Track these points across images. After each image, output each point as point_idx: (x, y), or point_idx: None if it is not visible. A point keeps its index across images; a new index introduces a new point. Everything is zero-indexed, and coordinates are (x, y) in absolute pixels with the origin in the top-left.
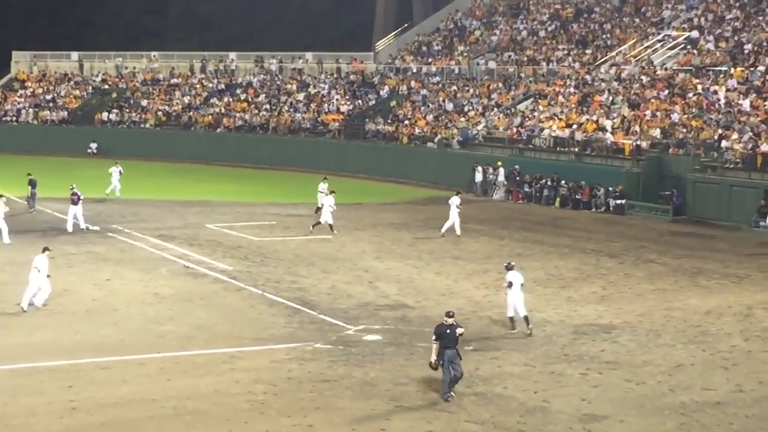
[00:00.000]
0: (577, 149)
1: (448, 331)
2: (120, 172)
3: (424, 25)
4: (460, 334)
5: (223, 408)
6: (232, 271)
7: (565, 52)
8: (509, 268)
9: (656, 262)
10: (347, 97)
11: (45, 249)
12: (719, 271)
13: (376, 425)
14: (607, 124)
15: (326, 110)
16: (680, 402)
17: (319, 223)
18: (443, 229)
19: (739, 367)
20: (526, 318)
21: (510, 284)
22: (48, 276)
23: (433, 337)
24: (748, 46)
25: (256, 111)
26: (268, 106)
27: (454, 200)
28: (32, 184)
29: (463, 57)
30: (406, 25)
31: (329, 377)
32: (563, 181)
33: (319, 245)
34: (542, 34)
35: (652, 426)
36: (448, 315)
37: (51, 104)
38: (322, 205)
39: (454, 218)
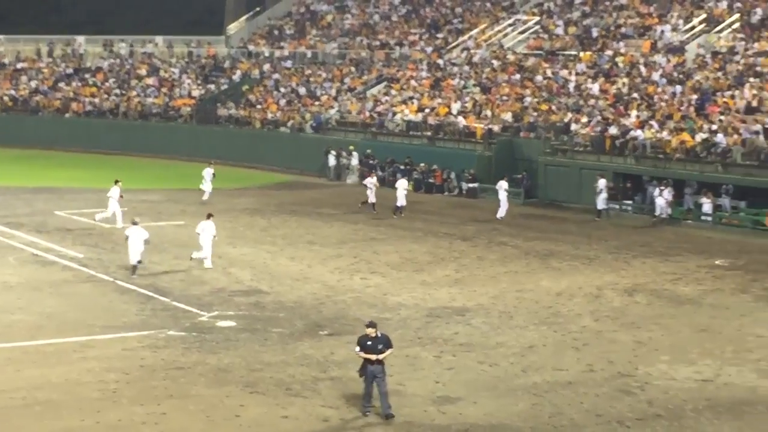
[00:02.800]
0: (429, 133)
1: (369, 342)
2: None
3: (276, 9)
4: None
5: (74, 397)
6: (82, 258)
7: (417, 36)
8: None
9: (508, 245)
10: (199, 81)
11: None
12: (570, 253)
13: (231, 412)
14: (459, 108)
15: (178, 95)
16: (532, 382)
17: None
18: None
19: (589, 347)
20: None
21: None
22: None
23: (357, 348)
24: (595, 31)
25: (106, 96)
26: (117, 91)
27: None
28: None
29: (315, 41)
30: (257, 9)
31: (183, 364)
32: (418, 165)
33: (172, 231)
34: (394, 18)
35: (504, 407)
36: (370, 326)
37: None
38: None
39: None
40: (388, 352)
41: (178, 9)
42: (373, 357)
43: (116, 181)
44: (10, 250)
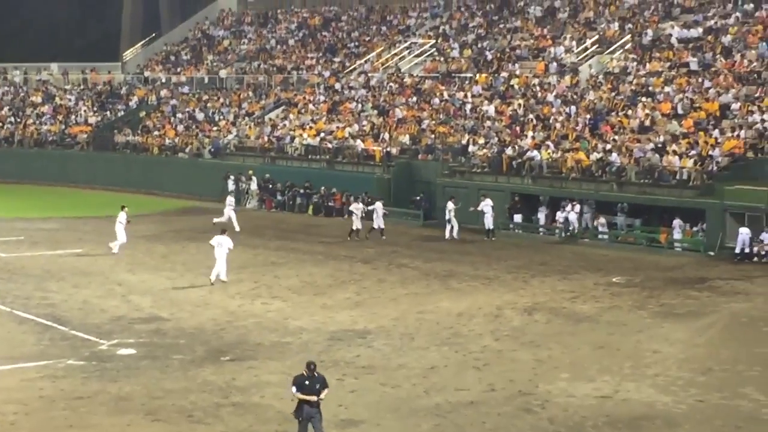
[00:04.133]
0: (328, 157)
1: (307, 383)
2: None
3: (173, 35)
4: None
5: None
6: None
7: (314, 60)
8: None
9: (409, 267)
10: (95, 108)
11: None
12: (469, 273)
13: None
14: (357, 131)
15: (74, 122)
16: (435, 403)
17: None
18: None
19: (490, 366)
20: None
21: None
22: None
23: (293, 389)
24: (490, 53)
25: (0, 124)
26: (12, 119)
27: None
28: None
29: (212, 66)
30: (153, 34)
31: (83, 394)
32: (319, 189)
33: (70, 260)
34: (291, 42)
35: (407, 428)
36: (309, 367)
37: None
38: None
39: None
40: (326, 392)
41: (73, 36)
42: (314, 398)
43: (123, 207)
44: None
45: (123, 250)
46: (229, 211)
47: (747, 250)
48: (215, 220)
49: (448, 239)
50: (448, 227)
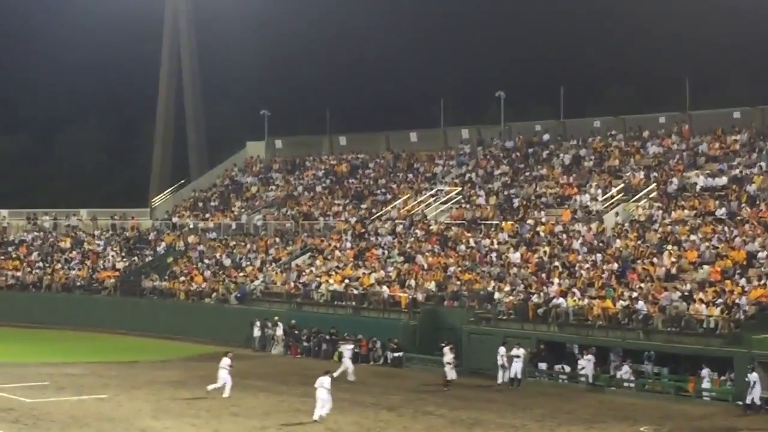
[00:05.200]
0: (354, 303)
1: None
2: None
3: (201, 181)
4: None
5: None
6: None
7: (341, 207)
8: None
9: (434, 414)
10: (123, 253)
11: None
12: (495, 421)
13: None
14: (383, 277)
15: (102, 267)
16: None
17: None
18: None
19: None
20: None
21: None
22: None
23: None
24: (516, 200)
25: (29, 269)
26: (41, 264)
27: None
28: None
29: (240, 212)
30: (182, 181)
31: None
32: (344, 336)
33: (95, 405)
34: (318, 189)
35: None
36: None
37: None
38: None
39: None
40: None
41: (103, 182)
42: None
43: (227, 353)
44: None
45: (217, 392)
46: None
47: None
48: (209, 387)
49: (501, 384)
50: (501, 372)
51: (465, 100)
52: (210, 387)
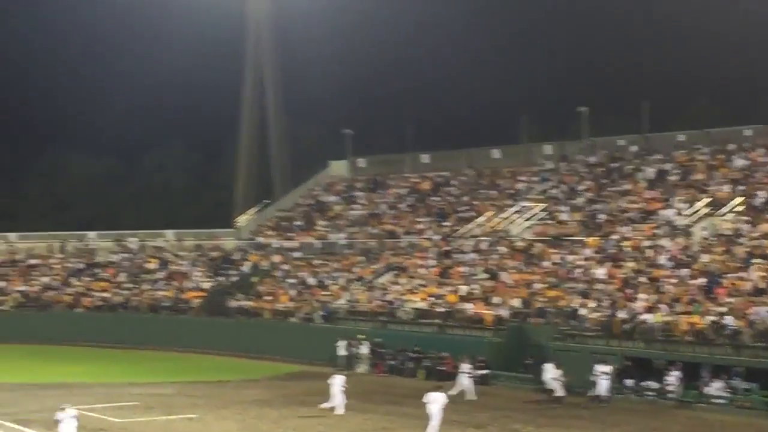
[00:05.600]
0: (439, 320)
1: None
2: None
3: (285, 201)
4: None
5: None
6: None
7: (425, 224)
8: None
9: None
10: (209, 273)
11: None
12: None
13: None
14: (468, 294)
15: (187, 287)
16: None
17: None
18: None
19: None
20: None
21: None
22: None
23: None
24: (600, 216)
25: (117, 290)
26: (128, 285)
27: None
28: None
29: (323, 231)
30: (266, 201)
31: None
32: (430, 353)
33: (184, 425)
34: (401, 207)
35: None
36: None
37: None
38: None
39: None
40: None
41: (188, 203)
42: None
43: (338, 372)
44: None
45: (328, 410)
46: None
47: None
48: (321, 405)
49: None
50: (598, 388)
51: (546, 115)
52: (323, 405)
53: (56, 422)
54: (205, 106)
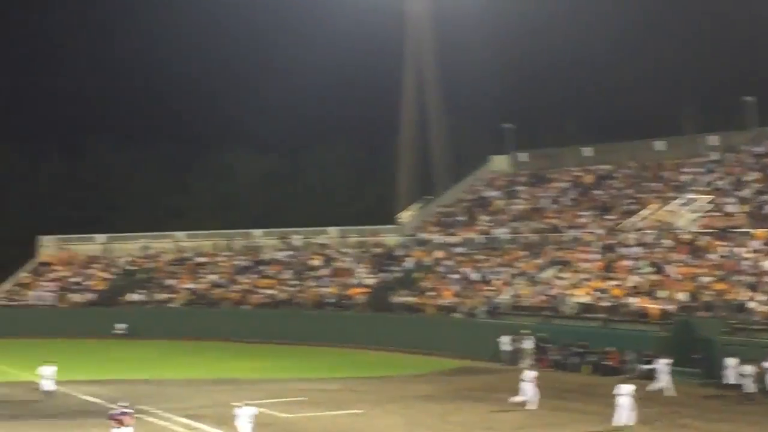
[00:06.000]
0: (603, 315)
1: None
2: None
3: (447, 197)
4: None
5: None
6: None
7: (588, 218)
8: None
9: (690, 427)
10: (372, 270)
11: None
12: None
13: None
14: (633, 288)
15: (351, 284)
16: None
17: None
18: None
19: None
20: None
21: None
22: None
23: None
24: None
25: (282, 287)
26: (293, 282)
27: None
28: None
29: (486, 226)
30: (428, 196)
31: None
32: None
33: (350, 420)
34: (564, 201)
35: None
36: None
37: (77, 287)
38: None
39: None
40: None
41: (351, 200)
42: None
43: (530, 366)
44: None
45: (519, 405)
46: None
47: None
48: (511, 399)
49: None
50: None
51: (710, 106)
52: (513, 399)
53: (234, 417)
54: (367, 103)
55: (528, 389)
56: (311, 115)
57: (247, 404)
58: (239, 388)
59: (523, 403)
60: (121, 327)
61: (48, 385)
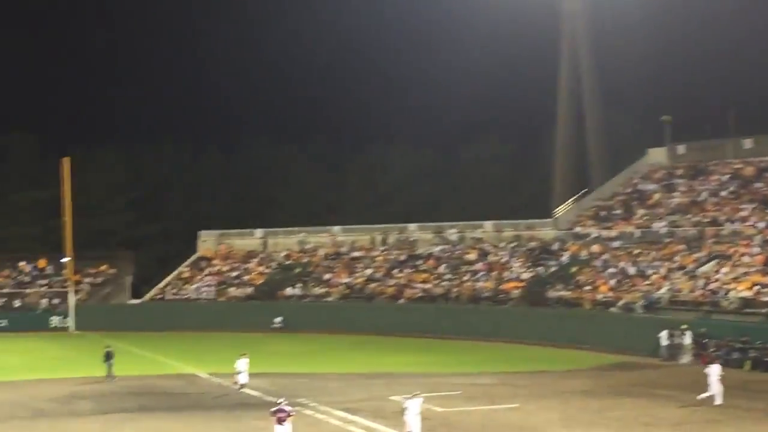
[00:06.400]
0: (765, 310)
1: None
2: None
3: (603, 190)
4: None
5: None
6: None
7: (748, 211)
8: None
9: None
10: (527, 264)
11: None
12: None
13: None
14: None
15: (507, 278)
16: None
17: None
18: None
19: None
20: None
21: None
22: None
23: None
24: None
25: (437, 281)
26: (448, 276)
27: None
28: (108, 356)
29: (643, 220)
30: (584, 190)
31: None
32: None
33: (506, 415)
34: (723, 194)
35: None
36: None
37: (236, 281)
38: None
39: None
40: None
41: (506, 194)
42: None
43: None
44: None
45: (708, 401)
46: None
47: None
48: (700, 396)
49: None
50: None
51: None
52: (701, 396)
53: (403, 410)
54: (523, 96)
55: (713, 384)
56: (466, 109)
57: (415, 395)
58: (394, 382)
59: (711, 399)
60: (277, 321)
61: (242, 378)
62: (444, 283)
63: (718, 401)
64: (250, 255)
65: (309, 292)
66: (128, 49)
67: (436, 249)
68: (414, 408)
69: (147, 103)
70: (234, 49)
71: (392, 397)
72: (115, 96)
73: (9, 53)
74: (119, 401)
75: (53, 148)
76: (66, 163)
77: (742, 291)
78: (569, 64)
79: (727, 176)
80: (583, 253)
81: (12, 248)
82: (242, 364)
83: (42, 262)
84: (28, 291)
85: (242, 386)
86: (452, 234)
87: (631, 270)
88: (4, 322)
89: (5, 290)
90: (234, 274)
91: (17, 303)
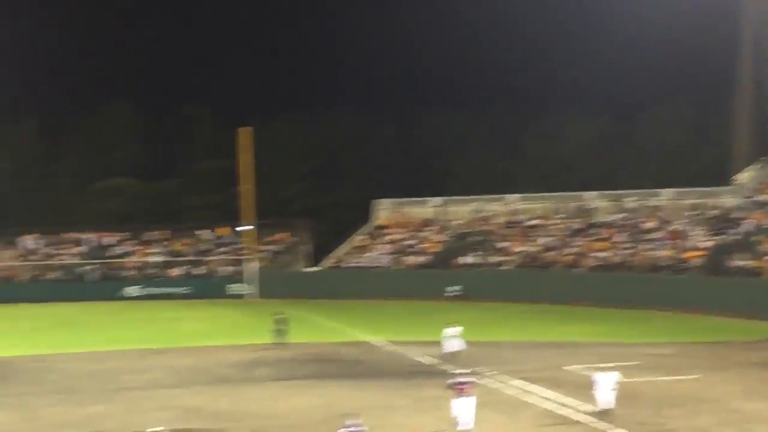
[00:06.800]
0: None
1: None
2: None
3: None
4: None
5: None
6: (597, 413)
7: None
8: None
9: None
10: (708, 233)
11: None
12: None
13: None
14: None
15: (686, 247)
16: None
17: None
18: None
19: None
20: None
21: None
22: None
23: None
24: None
25: (615, 250)
26: (627, 245)
27: None
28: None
29: None
30: (766, 156)
31: None
32: None
33: (687, 386)
34: None
35: None
36: None
37: (412, 249)
38: None
39: None
40: None
41: (687, 160)
42: None
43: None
44: (525, 406)
45: None
46: None
47: None
48: None
49: None
50: None
51: None
52: None
53: (593, 385)
54: (703, 61)
55: None
56: (645, 75)
57: (610, 369)
58: (571, 352)
59: None
60: (454, 289)
61: (453, 345)
62: (622, 252)
63: None
64: (425, 223)
65: (485, 261)
66: (309, 22)
67: (614, 217)
68: (607, 383)
69: (324, 74)
70: (412, 21)
71: (566, 367)
72: (295, 67)
73: (192, 31)
74: (299, 368)
75: (233, 118)
76: (247, 133)
77: None
78: (751, 25)
79: None
80: (766, 222)
81: (194, 217)
82: (452, 332)
83: (223, 230)
84: (208, 258)
85: (453, 355)
86: (630, 202)
87: None
88: (186, 289)
89: (188, 257)
90: (409, 242)
91: (199, 270)
